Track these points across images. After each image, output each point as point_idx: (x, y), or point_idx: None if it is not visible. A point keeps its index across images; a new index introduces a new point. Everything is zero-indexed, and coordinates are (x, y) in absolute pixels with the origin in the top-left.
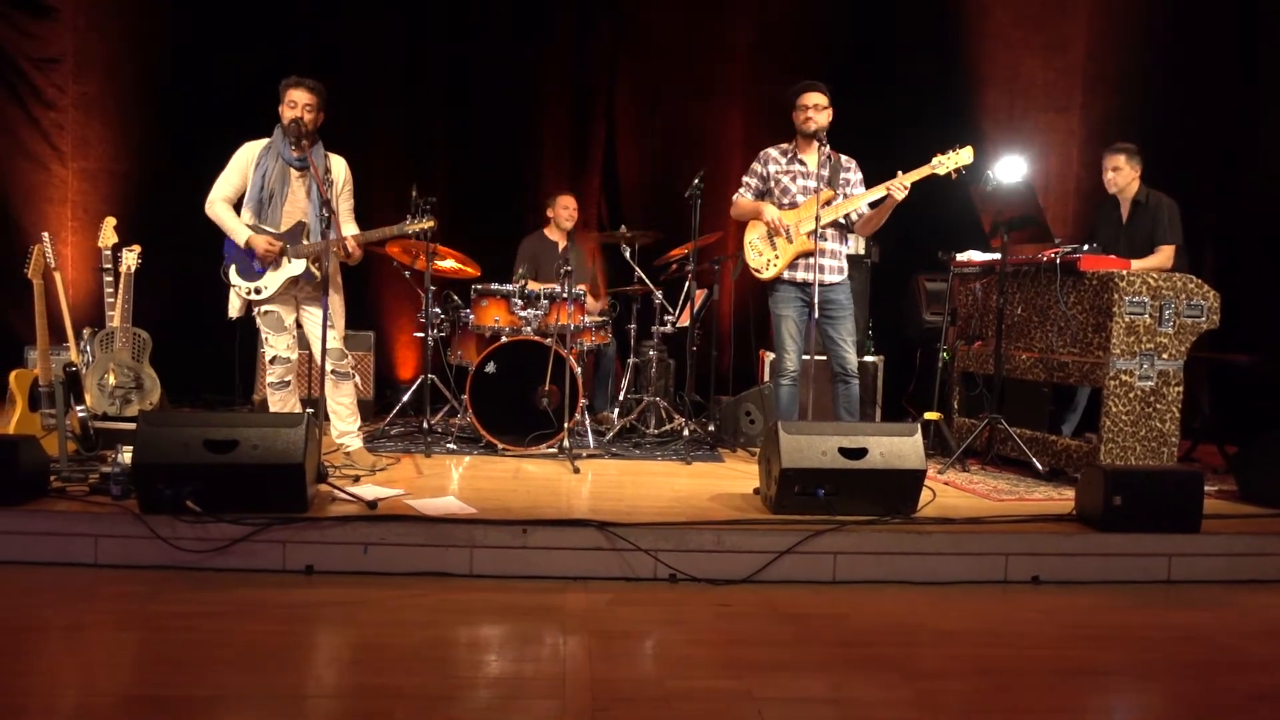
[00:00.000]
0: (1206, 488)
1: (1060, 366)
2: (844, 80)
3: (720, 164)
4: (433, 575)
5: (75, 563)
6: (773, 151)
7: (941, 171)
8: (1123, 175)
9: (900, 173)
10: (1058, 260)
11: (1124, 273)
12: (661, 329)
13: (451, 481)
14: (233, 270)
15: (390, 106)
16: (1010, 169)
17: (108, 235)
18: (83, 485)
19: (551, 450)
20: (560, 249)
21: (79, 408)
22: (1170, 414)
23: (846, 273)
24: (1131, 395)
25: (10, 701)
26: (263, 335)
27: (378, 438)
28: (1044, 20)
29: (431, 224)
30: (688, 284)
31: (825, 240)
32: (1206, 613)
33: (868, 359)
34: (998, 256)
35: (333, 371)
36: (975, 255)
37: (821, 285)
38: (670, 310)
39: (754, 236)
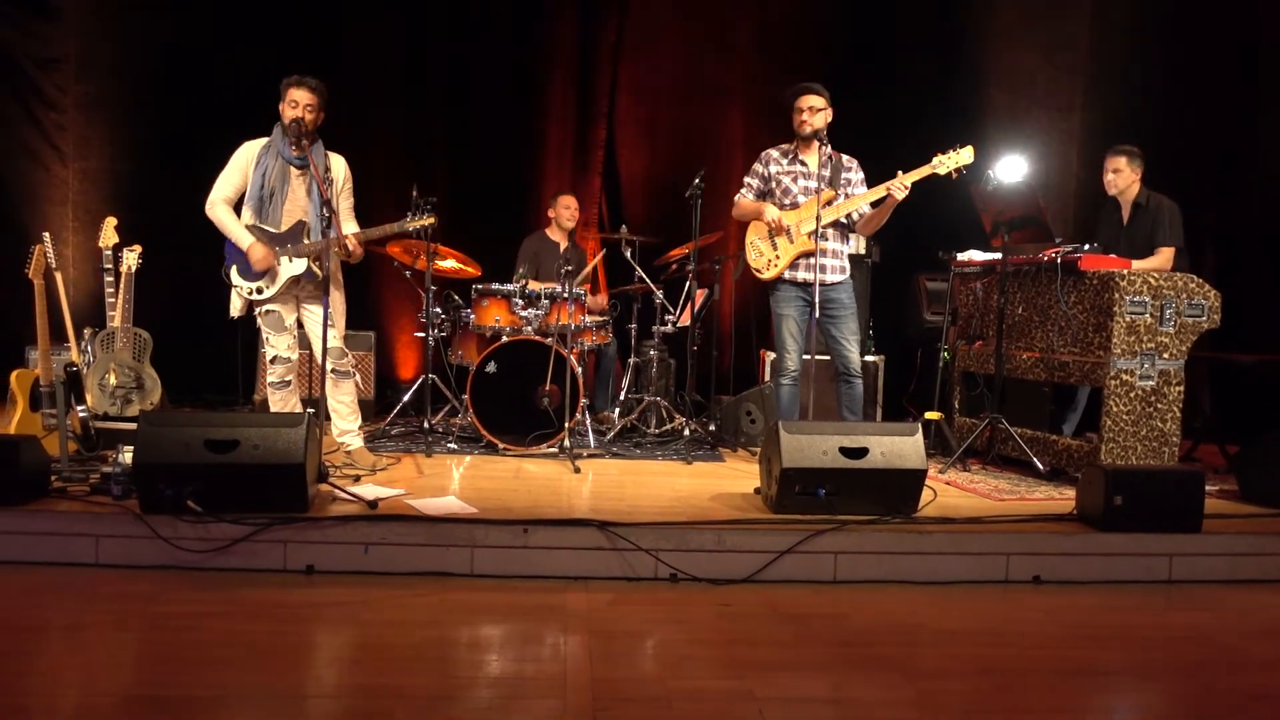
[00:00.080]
0: (1208, 487)
1: (1061, 366)
2: (844, 80)
3: (720, 164)
4: (433, 575)
5: (76, 563)
6: (774, 152)
7: (942, 171)
8: (1123, 177)
9: (901, 172)
10: (1058, 260)
11: (1125, 272)
12: (662, 329)
13: (452, 481)
14: (234, 270)
15: (390, 106)
16: (1011, 168)
17: (108, 235)
18: (84, 485)
19: (552, 450)
20: (561, 249)
21: (80, 408)
22: (1171, 414)
23: (849, 272)
24: (1132, 395)
25: (11, 701)
26: (263, 335)
27: (378, 437)
28: (1046, 19)
29: (432, 221)
30: (688, 284)
31: (826, 240)
32: (1208, 613)
33: (868, 359)
34: (998, 256)
35: (333, 370)
36: (976, 255)
37: (823, 285)
38: (671, 310)
39: (755, 237)
